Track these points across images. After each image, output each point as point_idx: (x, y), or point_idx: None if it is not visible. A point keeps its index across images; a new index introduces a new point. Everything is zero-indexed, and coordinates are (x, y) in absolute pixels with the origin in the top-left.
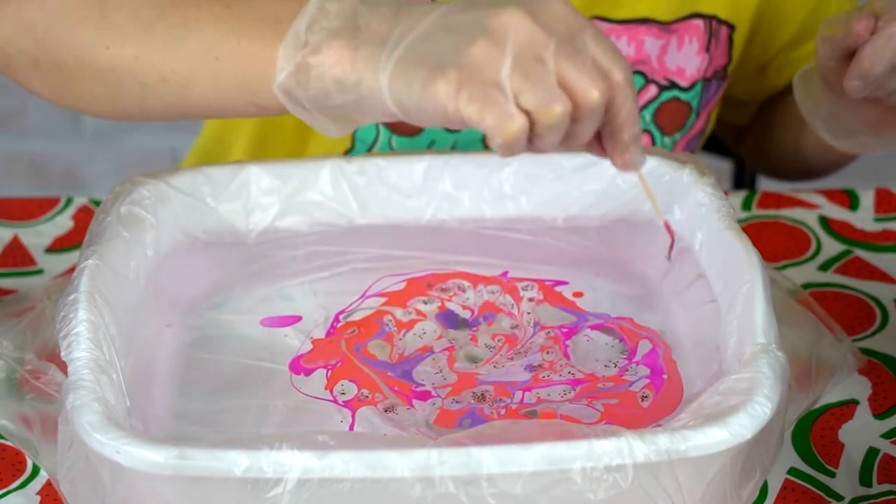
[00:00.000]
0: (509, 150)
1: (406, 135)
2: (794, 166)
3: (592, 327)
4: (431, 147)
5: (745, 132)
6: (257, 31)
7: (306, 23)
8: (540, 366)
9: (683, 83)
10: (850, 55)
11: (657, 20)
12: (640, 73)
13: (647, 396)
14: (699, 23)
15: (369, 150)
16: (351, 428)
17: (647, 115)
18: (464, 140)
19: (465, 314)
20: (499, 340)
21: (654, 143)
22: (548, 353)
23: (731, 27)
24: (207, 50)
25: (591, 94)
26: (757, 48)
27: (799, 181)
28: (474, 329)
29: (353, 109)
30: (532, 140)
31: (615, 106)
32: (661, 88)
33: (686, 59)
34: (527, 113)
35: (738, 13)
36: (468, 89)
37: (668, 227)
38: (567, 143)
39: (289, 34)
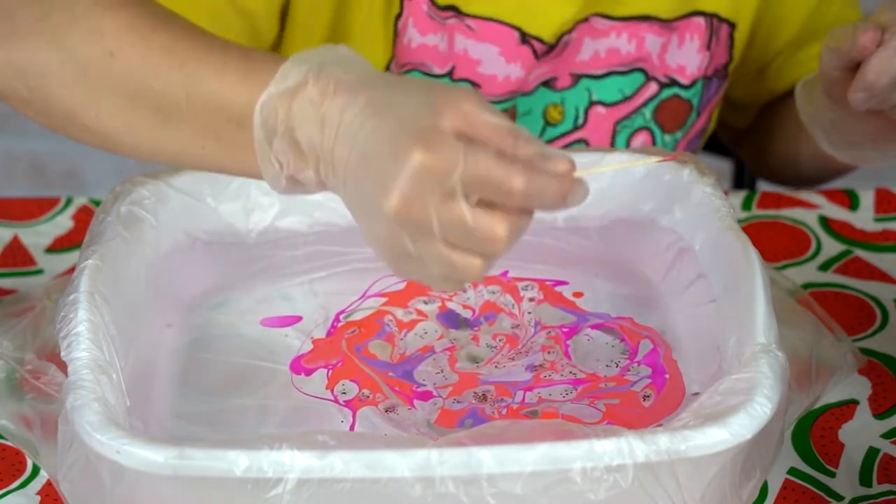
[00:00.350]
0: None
1: None
2: (791, 172)
3: (593, 327)
4: None
5: (745, 136)
6: (225, 134)
7: (265, 137)
8: (541, 366)
9: (684, 81)
10: (854, 67)
11: (658, 17)
12: (641, 70)
13: (648, 396)
14: (700, 20)
15: None
16: (352, 428)
17: (648, 112)
18: None
19: (467, 314)
20: (500, 340)
21: (654, 141)
22: (549, 352)
23: (732, 25)
24: (190, 140)
25: (494, 248)
26: (757, 49)
27: (795, 187)
28: (476, 329)
29: None
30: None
31: (528, 207)
32: (662, 86)
33: (687, 57)
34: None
35: (739, 12)
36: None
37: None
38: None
39: (258, 156)
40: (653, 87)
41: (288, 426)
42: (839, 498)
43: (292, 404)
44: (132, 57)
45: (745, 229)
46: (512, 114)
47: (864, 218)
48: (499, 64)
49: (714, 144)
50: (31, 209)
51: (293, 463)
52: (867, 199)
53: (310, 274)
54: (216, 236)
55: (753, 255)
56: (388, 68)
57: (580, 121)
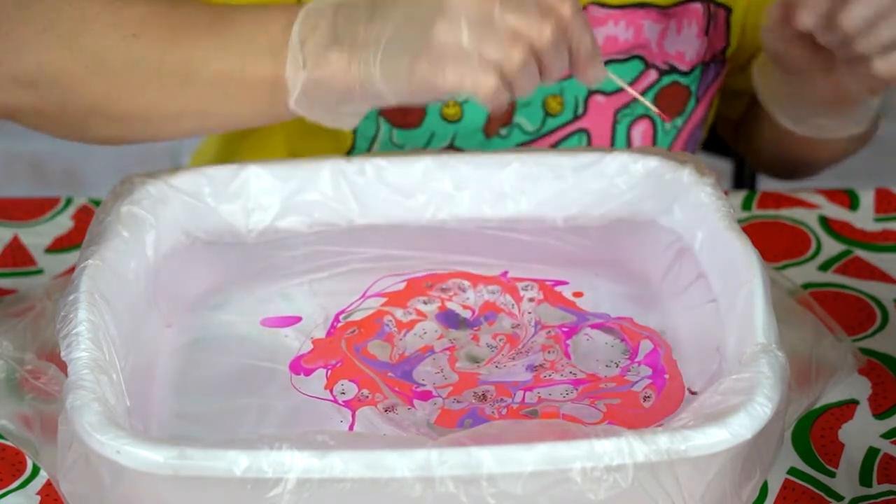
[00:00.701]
0: (493, 101)
1: (406, 127)
2: (782, 162)
3: (592, 326)
4: (432, 139)
5: (739, 127)
6: (256, 59)
7: (299, 41)
8: (541, 365)
9: (683, 67)
10: (795, 37)
11: (656, 4)
12: (640, 58)
13: (649, 396)
14: (698, 6)
15: (370, 145)
16: (351, 428)
17: (649, 100)
18: (464, 131)
19: (466, 314)
20: (500, 340)
21: (654, 128)
22: (549, 352)
23: (728, 10)
24: (215, 84)
25: (542, 32)
26: (748, 36)
27: (791, 180)
28: (476, 329)
29: (359, 105)
30: (512, 88)
31: (570, 36)
32: (662, 73)
33: (686, 43)
34: (497, 67)
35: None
36: (442, 64)
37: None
38: (545, 78)
39: (288, 57)
40: (652, 75)
41: (288, 426)
42: (839, 498)
43: (292, 404)
44: (158, 31)
45: (745, 229)
46: (511, 106)
47: (864, 218)
48: None
49: (714, 144)
50: (31, 209)
51: (293, 463)
52: (867, 199)
53: (310, 274)
54: (216, 236)
55: (753, 255)
56: None
57: (580, 110)
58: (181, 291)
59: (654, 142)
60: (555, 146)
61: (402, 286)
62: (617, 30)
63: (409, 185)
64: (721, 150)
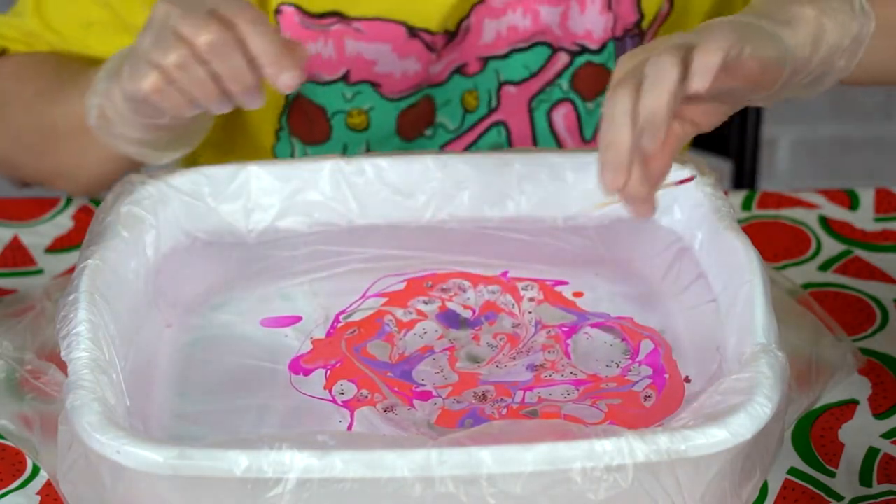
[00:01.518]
0: (159, 99)
1: (315, 143)
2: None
3: (593, 326)
4: (346, 150)
5: None
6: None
7: (102, 74)
8: (542, 365)
9: (593, 46)
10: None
11: None
12: (545, 44)
13: (650, 396)
14: None
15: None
16: (349, 428)
17: (565, 83)
18: (375, 138)
19: (467, 314)
20: (501, 339)
21: (576, 109)
22: (549, 352)
23: None
24: (77, 134)
25: (201, 38)
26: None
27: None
28: (476, 329)
29: (135, 129)
30: (179, 87)
31: (246, 43)
32: (573, 54)
33: (592, 22)
34: (157, 66)
35: None
36: (127, 67)
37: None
38: (229, 82)
39: (87, 95)
40: (564, 58)
41: (287, 426)
42: (839, 498)
43: (292, 404)
44: (42, 100)
45: (745, 229)
46: (432, 107)
47: (864, 218)
48: (393, 61)
49: (714, 144)
50: (31, 209)
51: (293, 463)
52: (867, 198)
53: (310, 274)
54: (216, 236)
55: (753, 255)
56: None
57: (493, 104)
58: (181, 291)
59: (579, 123)
60: (475, 142)
61: (402, 286)
62: (515, 17)
63: (408, 185)
64: (721, 150)
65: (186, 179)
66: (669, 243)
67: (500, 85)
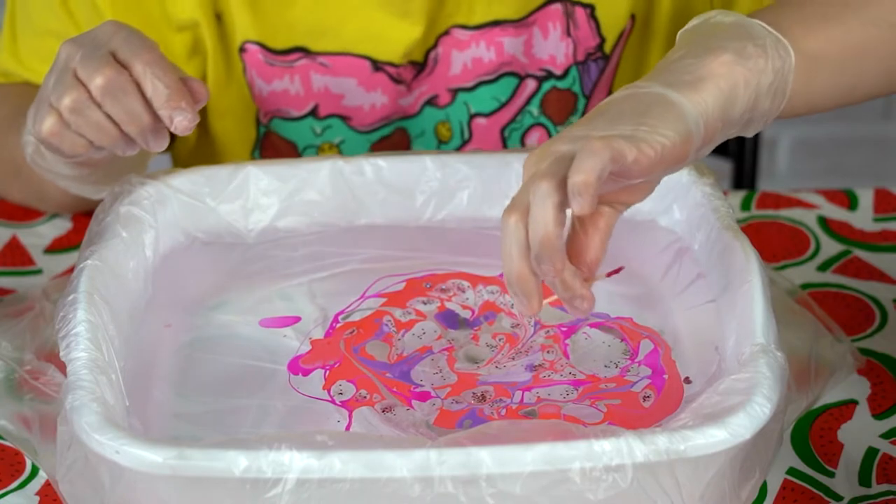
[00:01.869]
0: (57, 140)
1: None
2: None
3: (592, 325)
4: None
5: None
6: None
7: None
8: (541, 365)
9: (557, 71)
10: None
11: (509, 20)
12: (511, 74)
13: (648, 397)
14: (557, 7)
15: None
16: (347, 428)
17: (535, 109)
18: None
19: (466, 314)
20: (500, 340)
21: (549, 133)
22: (548, 352)
23: (590, 7)
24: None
25: (94, 81)
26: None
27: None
28: (476, 329)
29: (59, 165)
30: (76, 128)
31: (143, 86)
32: (540, 80)
33: (554, 47)
34: (55, 108)
35: None
36: (34, 109)
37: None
38: (125, 124)
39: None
40: (531, 84)
41: (287, 426)
42: (838, 498)
43: (291, 405)
44: (7, 132)
45: (744, 229)
46: (406, 138)
47: (863, 218)
48: (360, 94)
49: None
50: (31, 210)
51: (292, 463)
52: (866, 199)
53: (309, 274)
54: (215, 236)
55: (752, 255)
56: (257, 120)
57: (466, 135)
58: (180, 292)
59: None
60: None
61: (401, 286)
62: (479, 51)
63: (408, 186)
64: (721, 151)
65: (185, 180)
66: (669, 243)
67: (471, 117)
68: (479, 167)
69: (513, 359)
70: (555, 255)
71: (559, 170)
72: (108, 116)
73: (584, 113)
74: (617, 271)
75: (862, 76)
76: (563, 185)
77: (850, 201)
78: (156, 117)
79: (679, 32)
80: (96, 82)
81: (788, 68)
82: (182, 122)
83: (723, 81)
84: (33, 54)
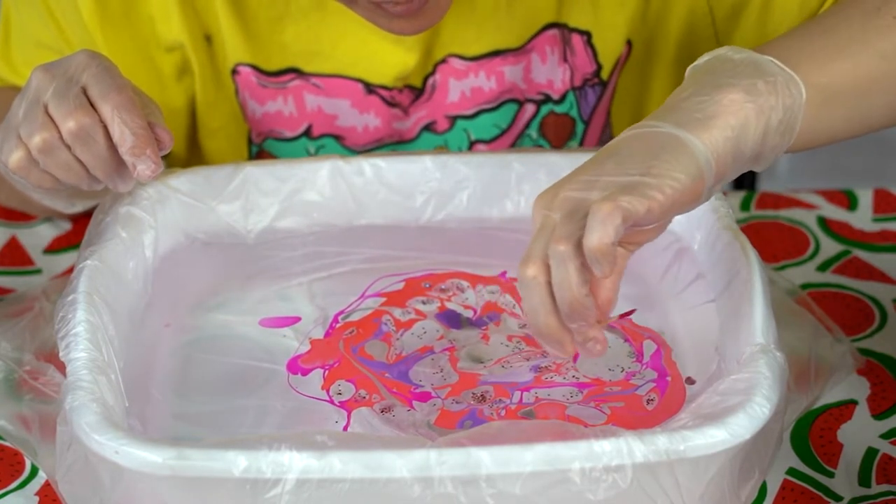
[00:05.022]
0: (24, 174)
1: None
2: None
3: None
4: None
5: None
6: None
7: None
8: (546, 367)
9: (555, 95)
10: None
11: (509, 49)
12: (511, 101)
13: (652, 399)
14: (553, 32)
15: None
16: (345, 428)
17: (534, 132)
18: None
19: (468, 314)
20: (518, 342)
21: None
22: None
23: (586, 34)
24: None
25: (66, 124)
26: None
27: None
28: (483, 328)
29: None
30: (44, 165)
31: (109, 130)
32: (539, 104)
33: (551, 72)
34: (24, 144)
35: (598, 19)
36: (1, 135)
37: None
38: (93, 169)
39: None
40: (530, 108)
41: (286, 426)
42: (838, 498)
43: (291, 405)
44: None
45: (744, 230)
46: None
47: (862, 218)
48: (354, 115)
49: None
50: None
51: (292, 463)
52: (866, 199)
53: (308, 275)
54: (215, 237)
55: (752, 255)
56: (249, 140)
57: None
58: (180, 292)
59: None
60: None
61: (400, 286)
62: (479, 80)
63: (407, 186)
64: None
65: (185, 180)
66: (668, 244)
67: (471, 143)
68: (479, 167)
69: (528, 359)
70: (586, 313)
71: (573, 230)
72: (77, 159)
73: (582, 138)
74: (629, 314)
75: (871, 110)
76: (580, 247)
77: (849, 201)
78: (122, 161)
79: (688, 69)
80: (68, 125)
81: (798, 105)
82: (145, 171)
83: (733, 119)
84: (26, 64)
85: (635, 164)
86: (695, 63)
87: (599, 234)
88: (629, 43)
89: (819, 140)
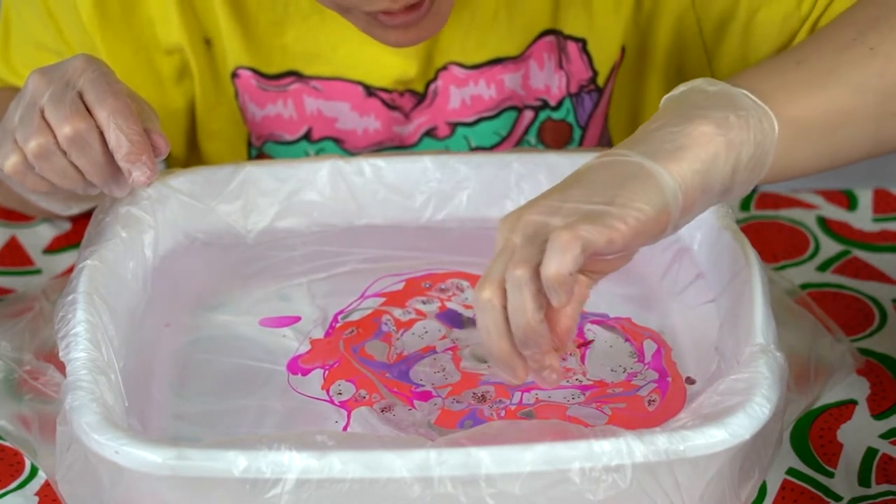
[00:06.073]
0: (19, 178)
1: None
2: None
3: (593, 322)
4: None
5: None
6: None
7: None
8: None
9: (552, 102)
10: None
11: (509, 56)
12: (511, 108)
13: (653, 400)
14: (550, 39)
15: None
16: (345, 428)
17: (532, 138)
18: None
19: (469, 314)
20: None
21: None
22: (571, 354)
23: (581, 41)
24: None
25: (62, 130)
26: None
27: None
28: None
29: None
30: (40, 169)
31: (105, 135)
32: (537, 110)
33: (548, 78)
34: (20, 148)
35: (593, 27)
36: None
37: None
38: (88, 175)
39: None
40: (529, 114)
41: (286, 426)
42: (838, 498)
43: (291, 405)
44: None
45: (744, 229)
46: None
47: (862, 218)
48: (354, 118)
49: None
50: None
51: (291, 463)
52: (865, 199)
53: (308, 275)
54: (215, 237)
55: (752, 255)
56: (249, 144)
57: None
58: (180, 292)
59: None
60: None
61: (400, 286)
62: (479, 89)
63: (407, 186)
64: None
65: (185, 180)
66: (668, 244)
67: (472, 150)
68: (479, 167)
69: None
70: (540, 340)
71: (532, 255)
72: (73, 164)
73: (580, 143)
74: (586, 344)
75: (844, 143)
76: (537, 274)
77: (849, 201)
78: (118, 167)
79: (663, 98)
80: (64, 131)
81: (771, 142)
82: (140, 177)
83: (703, 152)
84: (25, 65)
85: (601, 192)
86: (670, 93)
87: (557, 264)
88: (623, 49)
89: (789, 174)
